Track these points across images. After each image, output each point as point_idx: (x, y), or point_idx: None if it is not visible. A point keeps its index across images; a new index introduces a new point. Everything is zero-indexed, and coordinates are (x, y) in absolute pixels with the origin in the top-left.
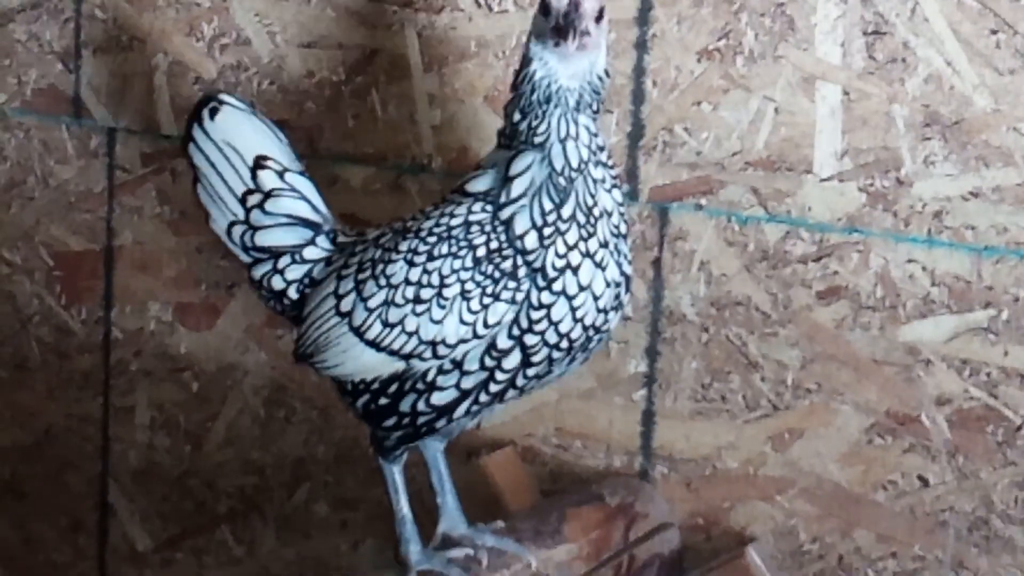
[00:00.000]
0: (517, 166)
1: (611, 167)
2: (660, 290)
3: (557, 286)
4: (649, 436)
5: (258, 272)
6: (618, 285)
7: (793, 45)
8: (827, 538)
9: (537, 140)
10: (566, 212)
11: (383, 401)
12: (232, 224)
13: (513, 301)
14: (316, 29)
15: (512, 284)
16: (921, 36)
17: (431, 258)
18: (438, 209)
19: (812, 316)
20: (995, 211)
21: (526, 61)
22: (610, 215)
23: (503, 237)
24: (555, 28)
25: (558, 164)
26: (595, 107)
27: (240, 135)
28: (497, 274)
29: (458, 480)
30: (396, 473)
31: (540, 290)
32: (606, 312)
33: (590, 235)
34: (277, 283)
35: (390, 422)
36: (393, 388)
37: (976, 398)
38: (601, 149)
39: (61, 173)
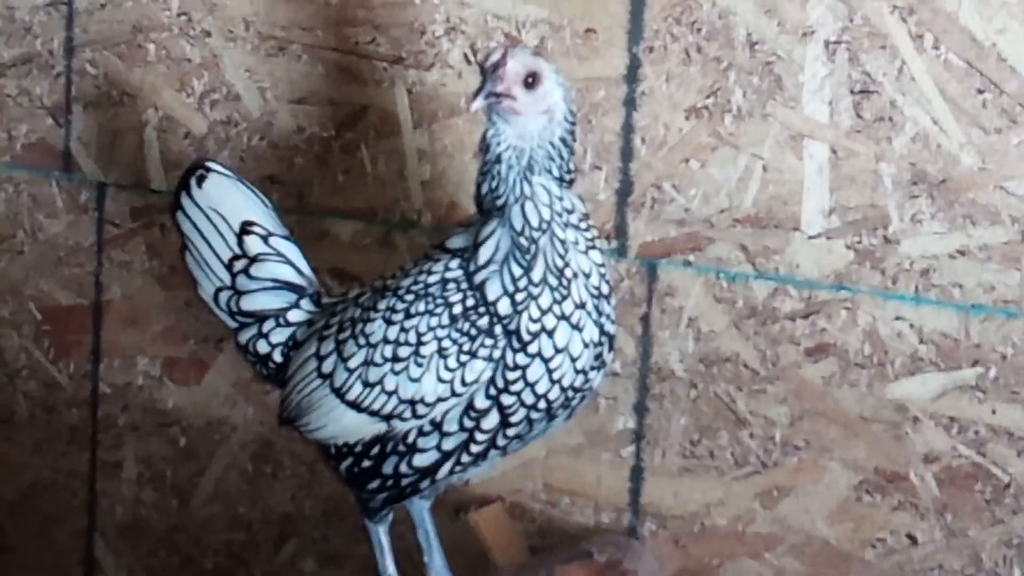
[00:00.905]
0: (483, 232)
1: (586, 229)
2: (649, 346)
3: (532, 348)
4: (637, 493)
5: (244, 337)
6: (598, 345)
7: (781, 103)
8: None
9: (498, 203)
10: (536, 275)
11: (366, 464)
12: (219, 290)
13: (490, 359)
14: (306, 85)
15: (489, 341)
16: (908, 95)
17: (408, 316)
18: (416, 267)
19: (800, 373)
20: (982, 269)
21: (485, 134)
22: (588, 276)
23: (479, 295)
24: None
25: (517, 224)
26: (556, 172)
27: (227, 201)
28: (473, 331)
29: (446, 536)
30: (382, 534)
31: (515, 352)
32: (585, 372)
33: (564, 297)
34: (262, 347)
35: (374, 485)
36: (375, 451)
37: (964, 456)
38: (570, 211)
39: (50, 227)
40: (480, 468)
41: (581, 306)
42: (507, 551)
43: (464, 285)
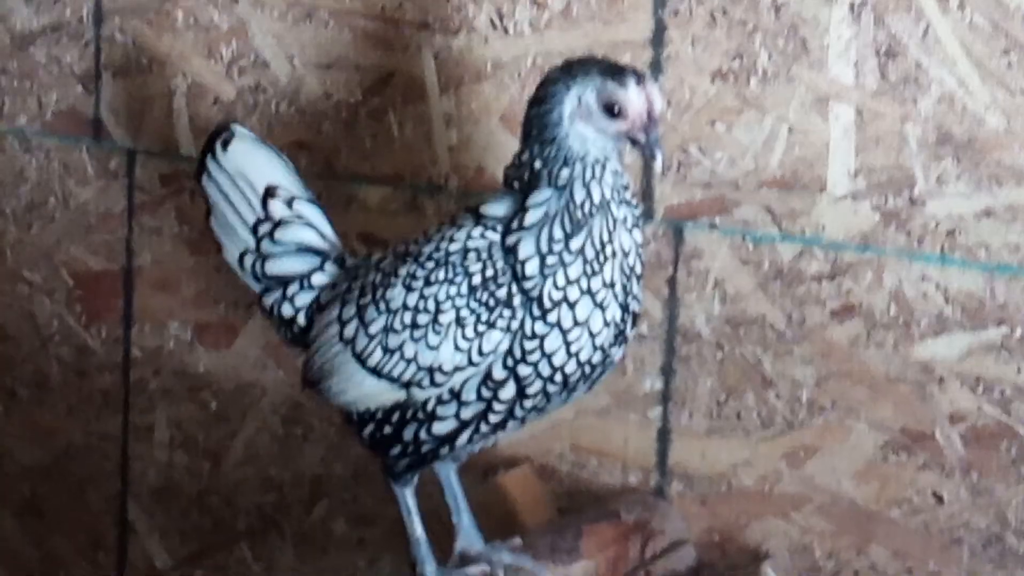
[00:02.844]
0: (536, 198)
1: (636, 206)
2: (675, 308)
3: (552, 317)
4: (665, 453)
5: (268, 300)
6: (620, 324)
7: (806, 66)
8: (842, 555)
9: (561, 183)
10: (574, 245)
11: (387, 430)
12: (244, 254)
13: (508, 330)
14: (333, 51)
15: (507, 312)
16: (933, 56)
17: (428, 283)
18: (439, 232)
19: (826, 334)
20: (1008, 229)
21: (559, 133)
22: (626, 255)
23: (500, 264)
24: (630, 137)
25: (579, 198)
26: (622, 153)
27: (251, 165)
28: (492, 302)
29: (475, 498)
30: (408, 496)
31: (534, 320)
32: (604, 349)
33: (595, 272)
34: (287, 310)
35: (395, 451)
36: (395, 417)
37: (990, 415)
38: (626, 188)
39: (81, 194)
40: (501, 436)
41: (610, 286)
42: (535, 512)
43: (485, 255)
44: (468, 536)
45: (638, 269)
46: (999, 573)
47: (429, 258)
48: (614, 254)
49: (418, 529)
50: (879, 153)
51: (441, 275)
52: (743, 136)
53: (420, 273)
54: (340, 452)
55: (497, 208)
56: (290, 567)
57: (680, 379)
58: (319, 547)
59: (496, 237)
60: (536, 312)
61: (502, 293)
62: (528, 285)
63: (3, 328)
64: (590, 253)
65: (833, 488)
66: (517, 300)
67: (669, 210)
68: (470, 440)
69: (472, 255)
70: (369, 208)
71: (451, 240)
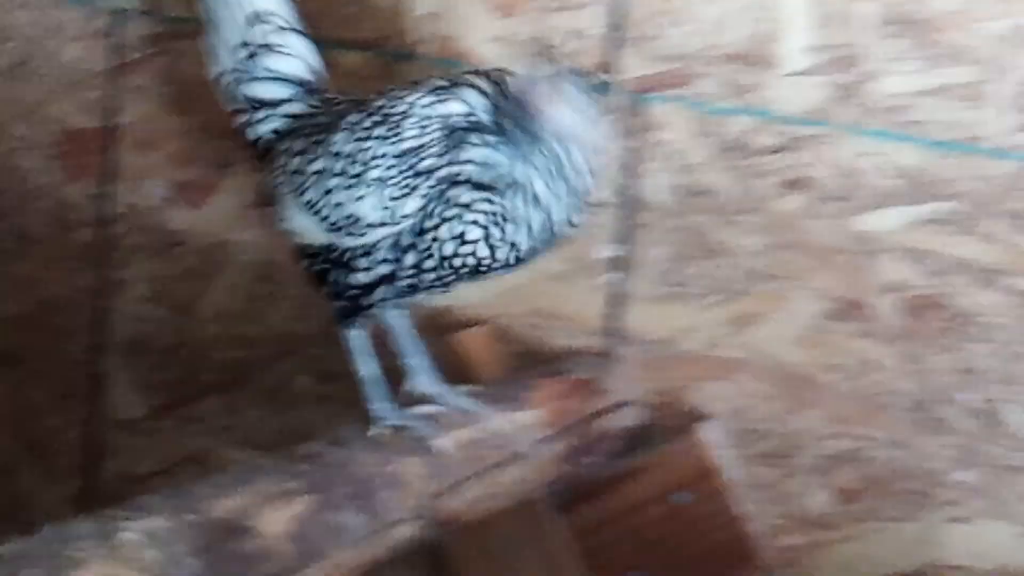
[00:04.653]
0: (506, 148)
1: (576, 178)
2: (631, 178)
3: (452, 212)
4: (616, 318)
5: (238, 121)
6: (522, 258)
7: None
8: (778, 417)
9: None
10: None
11: (316, 269)
12: (225, 72)
13: (427, 198)
14: None
15: (429, 184)
16: None
17: (368, 137)
18: (396, 90)
19: (775, 205)
20: (957, 107)
21: None
22: (551, 218)
23: (435, 135)
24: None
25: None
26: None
27: None
28: (417, 170)
29: (432, 355)
30: (354, 336)
31: (444, 205)
32: (521, 250)
33: (501, 220)
34: (256, 133)
35: (326, 291)
36: (322, 259)
37: (924, 286)
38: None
39: (66, 52)
40: (424, 297)
41: (514, 248)
42: (490, 370)
43: (424, 122)
44: (421, 376)
45: (566, 231)
46: (922, 437)
47: (377, 112)
48: (529, 227)
49: (365, 368)
50: (833, 30)
51: (380, 132)
52: (702, 11)
53: (365, 124)
54: (309, 310)
55: (459, 106)
56: (256, 420)
57: (633, 246)
58: (285, 402)
59: (443, 110)
60: (450, 194)
61: (427, 163)
62: (455, 170)
63: None
64: (520, 202)
65: (774, 353)
66: (443, 172)
67: (630, 82)
68: (396, 295)
69: (412, 120)
70: (346, 74)
71: (399, 101)
